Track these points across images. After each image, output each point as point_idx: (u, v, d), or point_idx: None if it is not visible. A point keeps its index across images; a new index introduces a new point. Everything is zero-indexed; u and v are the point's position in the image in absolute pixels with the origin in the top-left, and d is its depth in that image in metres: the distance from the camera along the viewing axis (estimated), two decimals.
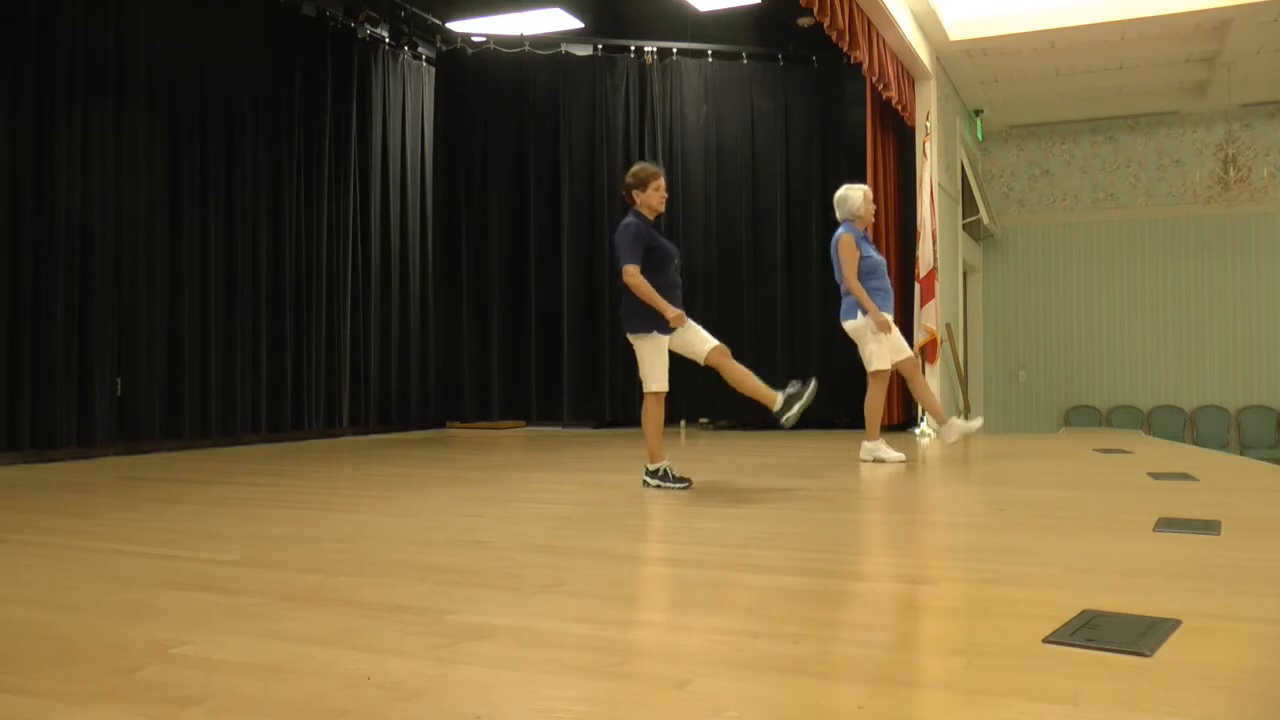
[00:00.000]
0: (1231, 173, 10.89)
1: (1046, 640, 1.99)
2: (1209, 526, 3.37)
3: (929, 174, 8.78)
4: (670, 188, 9.70)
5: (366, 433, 9.29)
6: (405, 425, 9.85)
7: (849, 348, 6.21)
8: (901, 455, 6.00)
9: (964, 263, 10.90)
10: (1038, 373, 12.19)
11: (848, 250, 5.95)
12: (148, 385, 7.15)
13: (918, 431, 8.42)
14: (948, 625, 2.32)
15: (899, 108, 8.70)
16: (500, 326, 9.92)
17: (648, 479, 4.80)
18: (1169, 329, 11.68)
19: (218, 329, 7.74)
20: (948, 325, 9.51)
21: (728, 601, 2.51)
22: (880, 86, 8.18)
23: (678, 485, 4.72)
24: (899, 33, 8.08)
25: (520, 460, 6.99)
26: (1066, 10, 8.68)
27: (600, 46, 10.00)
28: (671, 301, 4.81)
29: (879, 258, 6.15)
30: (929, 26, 8.82)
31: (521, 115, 9.96)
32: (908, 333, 8.89)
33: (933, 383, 8.87)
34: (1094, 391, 11.96)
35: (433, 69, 10.24)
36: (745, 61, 9.83)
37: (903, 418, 9.07)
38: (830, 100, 9.69)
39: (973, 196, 11.18)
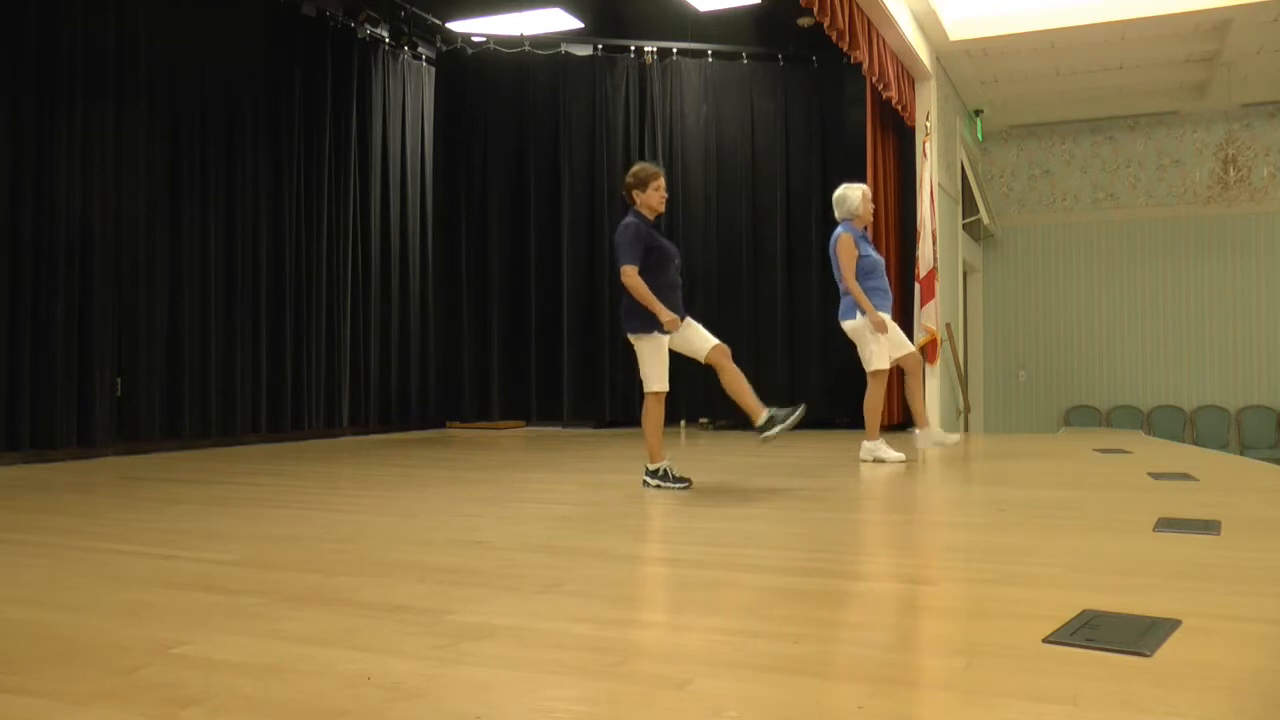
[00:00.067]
0: (1231, 173, 10.89)
1: (1046, 640, 1.99)
2: (1209, 526, 3.37)
3: (929, 174, 8.78)
4: (670, 188, 9.70)
5: (366, 433, 9.29)
6: (405, 425, 9.85)
7: (849, 347, 6.21)
8: (901, 455, 6.00)
9: (964, 263, 10.90)
10: (1038, 373, 12.19)
11: (846, 250, 5.96)
12: (148, 385, 7.15)
13: (917, 432, 8.42)
14: (948, 625, 2.32)
15: (899, 108, 8.70)
16: (500, 326, 9.92)
17: (648, 479, 4.80)
18: (1169, 329, 11.68)
19: (218, 329, 7.74)
20: (948, 325, 9.52)
21: (728, 601, 2.51)
22: (880, 86, 8.18)
23: (678, 485, 4.73)
24: (899, 33, 8.08)
25: (520, 460, 6.99)
26: (1066, 10, 8.68)
27: (600, 46, 10.00)
28: (671, 301, 4.81)
29: (877, 257, 6.15)
30: (929, 26, 8.82)
31: (521, 115, 9.96)
32: (908, 333, 8.91)
33: (932, 383, 8.87)
34: (1094, 391, 11.96)
35: (433, 69, 10.24)
36: (745, 61, 9.83)
37: (903, 418, 9.07)
38: (830, 100, 9.69)
39: (973, 196, 11.18)
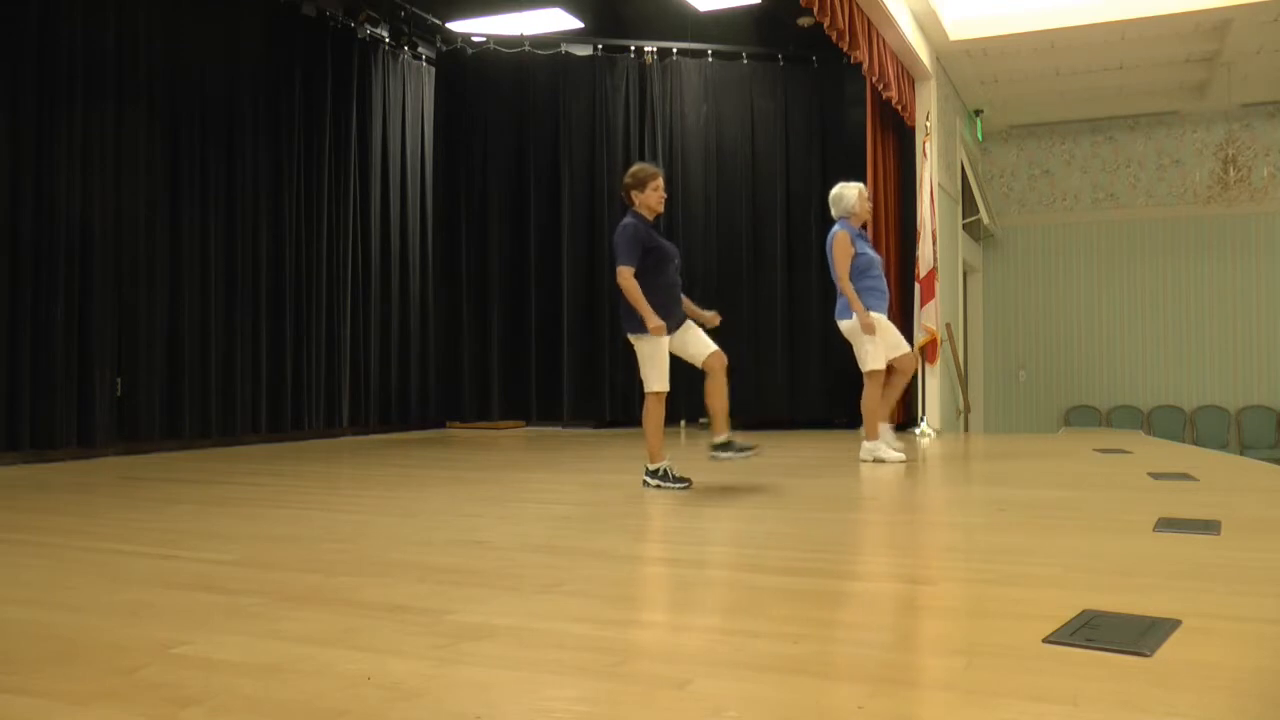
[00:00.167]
0: (1231, 173, 10.89)
1: (1046, 640, 1.99)
2: (1209, 526, 3.37)
3: (929, 174, 8.78)
4: (670, 188, 9.70)
5: (366, 433, 9.29)
6: (405, 425, 9.85)
7: (848, 347, 6.21)
8: (902, 455, 5.99)
9: (964, 263, 10.90)
10: (1038, 373, 12.19)
11: (842, 248, 5.97)
12: (148, 385, 7.15)
13: (917, 431, 8.43)
14: (948, 625, 2.32)
15: (899, 108, 8.70)
16: (500, 326, 9.92)
17: (648, 479, 4.80)
18: (1169, 329, 11.68)
19: (218, 329, 7.74)
20: (948, 325, 9.52)
21: (728, 601, 2.51)
22: (880, 86, 8.18)
23: (678, 485, 4.73)
24: (899, 33, 8.08)
25: (520, 460, 6.99)
26: (1066, 10, 8.68)
27: (600, 46, 10.00)
28: (671, 301, 4.82)
29: (874, 255, 6.16)
30: (929, 26, 8.82)
31: (521, 115, 9.96)
32: (908, 333, 8.91)
33: (932, 383, 8.88)
34: (1094, 391, 11.96)
35: (433, 69, 10.24)
36: (745, 61, 9.83)
37: (902, 417, 9.07)
38: (830, 100, 9.69)
39: (973, 196, 11.18)
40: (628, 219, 4.83)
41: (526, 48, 9.95)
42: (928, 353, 8.79)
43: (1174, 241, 11.72)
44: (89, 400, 6.70)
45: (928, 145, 8.84)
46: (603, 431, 9.79)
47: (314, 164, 8.75)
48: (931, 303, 8.62)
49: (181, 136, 7.50)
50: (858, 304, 5.92)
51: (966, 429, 10.33)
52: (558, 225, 9.89)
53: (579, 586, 2.66)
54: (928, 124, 9.00)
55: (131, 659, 1.95)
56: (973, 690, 1.74)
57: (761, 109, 9.79)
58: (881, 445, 6.02)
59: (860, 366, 6.07)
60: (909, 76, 9.04)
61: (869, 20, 7.67)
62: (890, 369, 6.14)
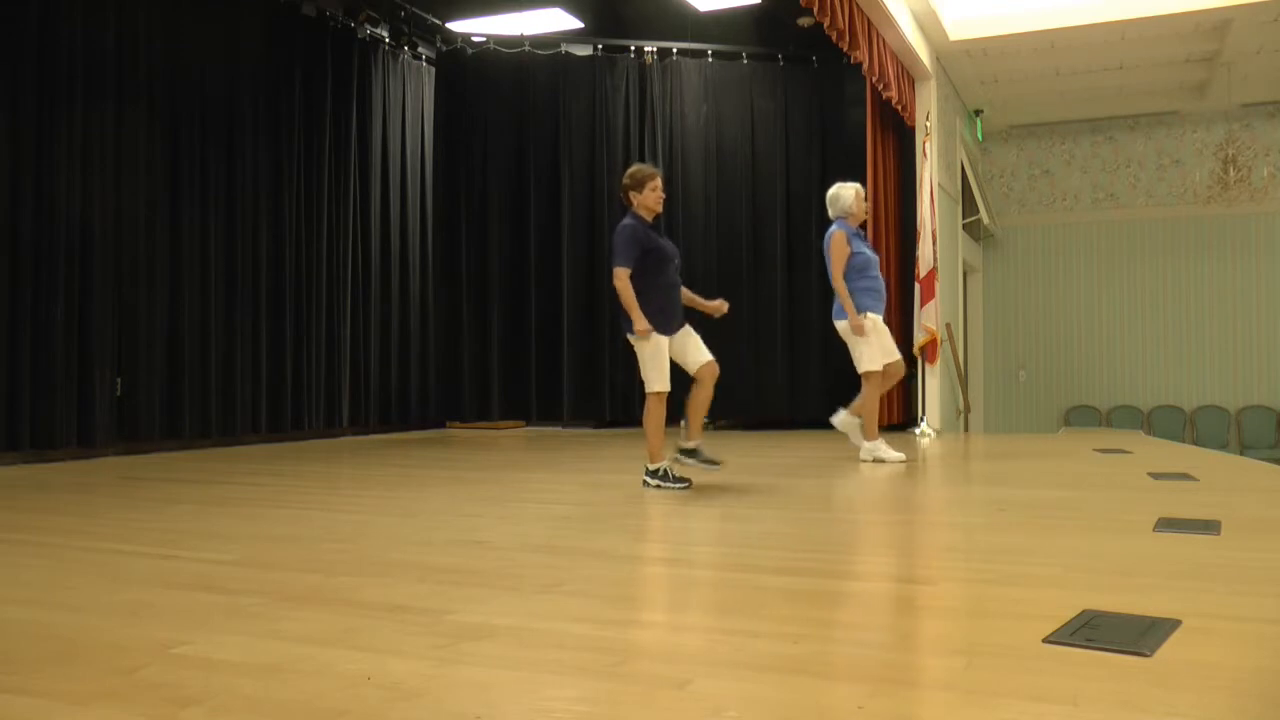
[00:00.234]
0: (1231, 173, 10.89)
1: (1046, 640, 1.99)
2: (1209, 526, 3.37)
3: (929, 174, 8.78)
4: (670, 188, 9.74)
5: (366, 433, 9.29)
6: (405, 425, 9.85)
7: (847, 347, 6.21)
8: (901, 455, 6.00)
9: (964, 263, 10.90)
10: (1038, 373, 12.19)
11: (838, 247, 5.99)
12: (148, 385, 7.15)
13: (917, 431, 8.43)
14: (948, 625, 2.32)
15: (899, 108, 8.70)
16: (500, 326, 9.92)
17: (648, 479, 4.80)
18: (1169, 329, 11.68)
19: (218, 329, 7.74)
20: (948, 325, 9.52)
21: (728, 601, 2.51)
22: (880, 86, 8.18)
23: (678, 485, 4.73)
24: (899, 33, 8.08)
25: (520, 460, 6.99)
26: (1066, 10, 8.68)
27: (600, 46, 10.00)
28: (671, 302, 4.83)
29: (872, 254, 6.17)
30: (929, 26, 8.82)
31: (521, 115, 9.96)
32: (907, 333, 8.91)
33: (932, 383, 8.88)
34: (1094, 391, 11.96)
35: (433, 69, 10.24)
36: (745, 61, 9.83)
37: (902, 417, 9.07)
38: (830, 100, 9.69)
39: (973, 196, 11.19)
40: (626, 220, 4.84)
41: (526, 48, 9.95)
42: (928, 353, 8.78)
43: (1174, 241, 11.72)
44: (89, 400, 6.70)
45: (928, 145, 8.85)
46: (603, 431, 9.79)
47: (314, 164, 8.75)
48: (931, 303, 8.62)
49: (181, 136, 7.50)
50: (849, 305, 5.94)
51: (966, 429, 10.33)
52: (558, 225, 9.89)
53: (579, 586, 2.66)
54: (928, 124, 9.00)
55: (131, 659, 1.95)
56: (973, 690, 1.74)
57: (761, 109, 9.79)
58: (881, 445, 6.02)
59: (856, 367, 6.07)
60: (909, 76, 9.04)
61: (869, 20, 7.67)
62: (892, 365, 6.15)
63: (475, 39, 10.10)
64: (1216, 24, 8.85)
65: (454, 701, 1.71)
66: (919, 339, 8.72)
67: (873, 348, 5.99)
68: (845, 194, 6.12)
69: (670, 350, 4.83)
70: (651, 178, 4.88)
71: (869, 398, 6.06)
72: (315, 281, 8.72)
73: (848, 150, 9.23)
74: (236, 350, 7.90)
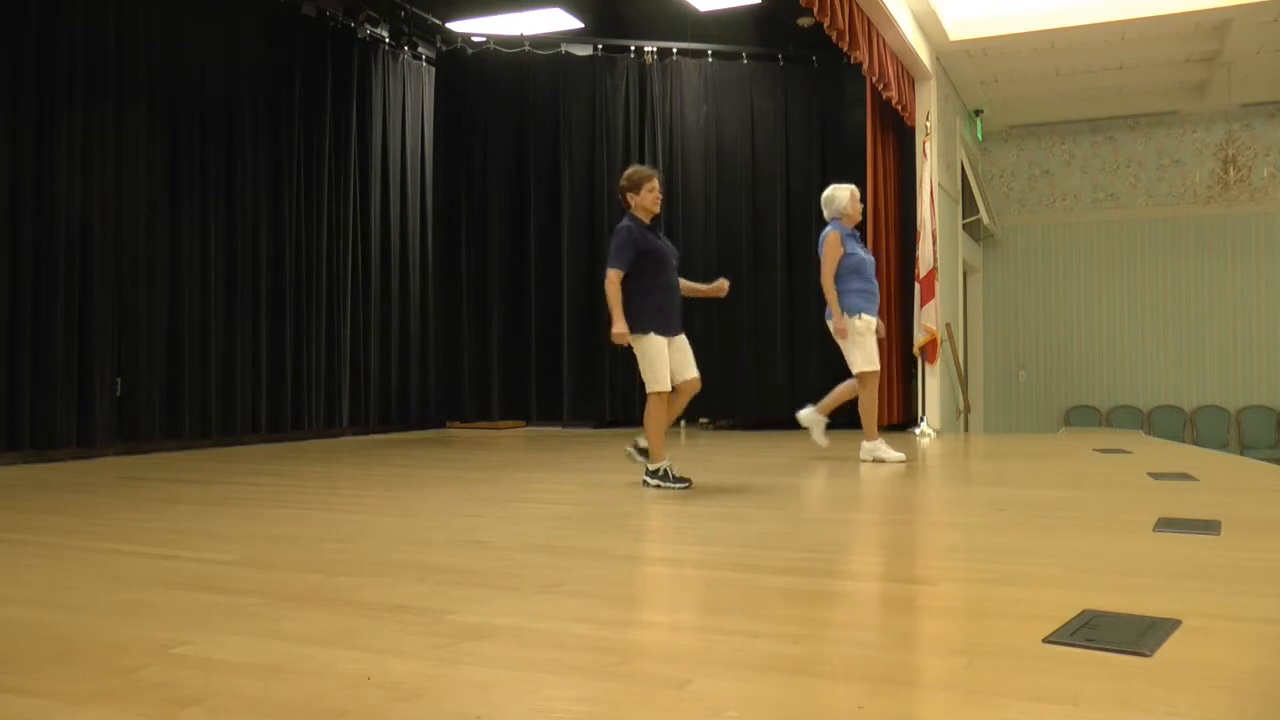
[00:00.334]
0: (1231, 173, 10.89)
1: (1046, 640, 1.99)
2: (1209, 526, 3.37)
3: (929, 174, 8.78)
4: (670, 188, 9.78)
5: (366, 433, 9.29)
6: (405, 425, 9.85)
7: None
8: (901, 455, 6.00)
9: (964, 263, 10.90)
10: (1038, 373, 12.19)
11: (831, 248, 6.02)
12: (148, 385, 7.15)
13: (917, 431, 8.43)
14: (948, 625, 2.32)
15: (899, 108, 8.70)
16: (500, 326, 9.92)
17: (648, 479, 4.81)
18: (1169, 329, 11.68)
19: (218, 329, 7.74)
20: (948, 325, 9.52)
21: (728, 601, 2.51)
22: (880, 86, 8.18)
23: (678, 485, 4.73)
24: (899, 33, 8.08)
25: (520, 460, 6.99)
26: (1066, 10, 8.68)
27: (600, 46, 10.00)
28: (669, 302, 4.85)
29: (866, 256, 6.18)
30: (929, 26, 8.82)
31: (521, 115, 9.96)
32: (908, 333, 8.92)
33: (932, 383, 8.88)
34: (1094, 391, 11.96)
35: (433, 69, 10.24)
36: (745, 61, 9.83)
37: (902, 417, 9.07)
38: (830, 100, 9.69)
39: (973, 196, 11.18)
40: (624, 221, 4.86)
41: (526, 48, 9.95)
42: (928, 353, 8.79)
43: (1174, 241, 11.72)
44: (89, 400, 6.70)
45: (928, 145, 8.85)
46: (603, 431, 9.79)
47: (314, 164, 8.75)
48: (931, 303, 8.62)
49: (181, 136, 7.50)
50: (835, 306, 5.97)
51: (966, 429, 10.33)
52: (558, 225, 9.89)
53: (579, 586, 2.66)
54: (928, 124, 9.00)
55: (131, 659, 1.95)
56: (973, 690, 1.74)
57: (761, 109, 9.79)
58: (881, 445, 6.03)
59: (850, 368, 6.08)
60: (909, 76, 9.04)
61: (869, 20, 7.67)
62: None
63: (475, 39, 10.10)
64: (1216, 24, 8.85)
65: (454, 701, 1.71)
66: (919, 339, 8.72)
67: (864, 349, 6.00)
68: (840, 195, 6.15)
69: None
70: (649, 179, 4.89)
71: (867, 398, 6.07)
72: (315, 281, 8.72)
73: (848, 150, 9.23)
74: (236, 350, 7.90)
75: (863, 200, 6.56)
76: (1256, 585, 2.59)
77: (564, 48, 10.00)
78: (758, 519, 3.95)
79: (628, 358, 5.03)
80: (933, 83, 9.28)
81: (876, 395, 6.15)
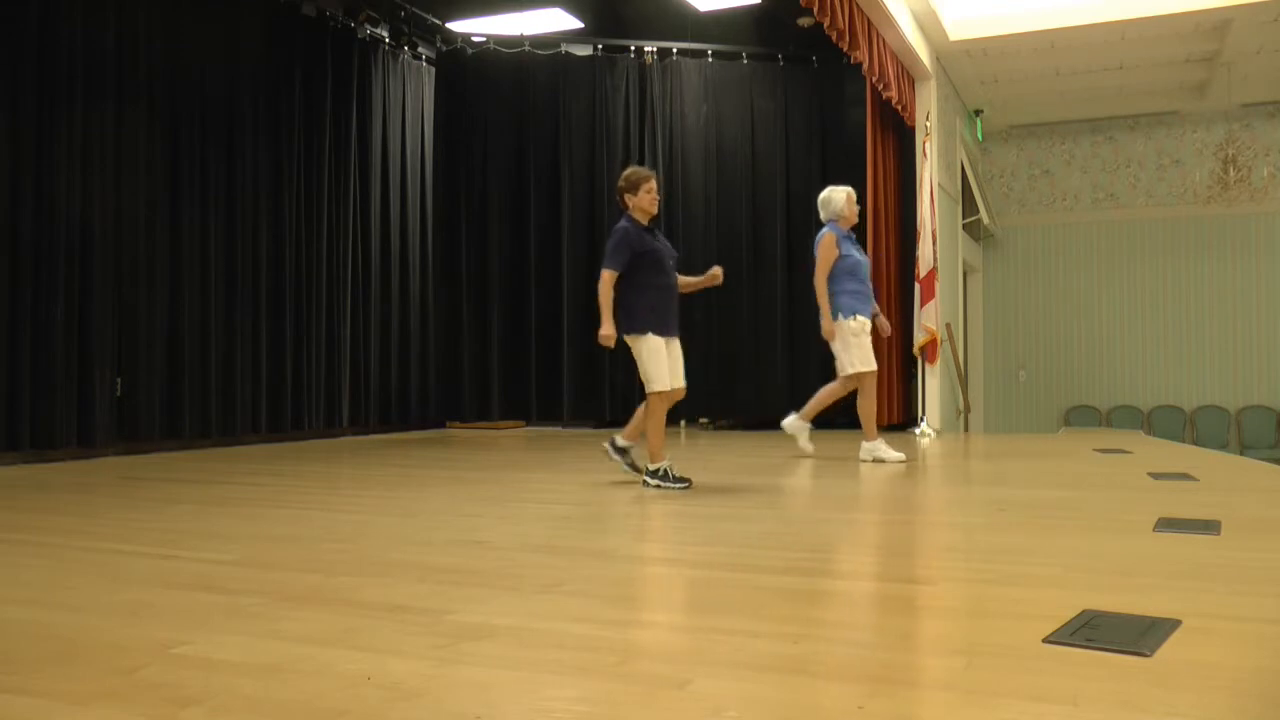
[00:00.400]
0: (1231, 173, 10.89)
1: (1046, 640, 1.99)
2: (1209, 526, 3.37)
3: (929, 174, 8.78)
4: (670, 188, 9.78)
5: (366, 433, 9.29)
6: (405, 425, 9.85)
7: None
8: (901, 455, 6.00)
9: (964, 263, 10.90)
10: (1038, 373, 12.19)
11: (827, 249, 6.04)
12: (148, 385, 7.15)
13: (917, 431, 8.43)
14: (948, 625, 2.32)
15: (899, 108, 8.70)
16: (500, 326, 9.92)
17: (648, 479, 4.81)
18: (1169, 329, 11.68)
19: (218, 329, 7.74)
20: (948, 325, 9.52)
21: (728, 601, 2.51)
22: (880, 86, 8.18)
23: (678, 485, 4.73)
24: (899, 33, 8.08)
25: (520, 460, 6.99)
26: (1066, 10, 8.69)
27: (600, 46, 10.00)
28: (666, 302, 4.86)
29: (861, 258, 6.19)
30: (929, 26, 8.82)
31: (521, 115, 9.96)
32: (908, 333, 8.91)
33: (932, 383, 8.88)
34: (1094, 391, 11.96)
35: (433, 69, 10.24)
36: (745, 61, 9.83)
37: (902, 417, 9.07)
38: (830, 100, 9.69)
39: (973, 196, 11.18)
40: (621, 222, 4.89)
41: (526, 48, 9.95)
42: (928, 353, 8.79)
43: (1174, 241, 11.71)
44: (89, 400, 6.70)
45: (928, 145, 8.85)
46: (603, 431, 9.78)
47: (314, 164, 8.75)
48: (931, 303, 8.62)
49: (181, 136, 7.50)
50: (825, 308, 6.00)
51: (966, 429, 10.33)
52: (558, 225, 9.89)
53: (579, 586, 2.66)
54: (928, 124, 9.00)
55: (131, 659, 1.95)
56: (973, 690, 1.74)
57: (761, 109, 9.79)
58: (880, 445, 6.03)
59: (840, 371, 6.09)
60: (909, 76, 9.04)
61: (869, 20, 7.67)
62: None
63: (475, 39, 10.10)
64: (1216, 24, 8.85)
65: (454, 701, 1.71)
66: (919, 339, 8.72)
67: (855, 350, 6.01)
68: (837, 197, 6.16)
69: None
70: (646, 180, 4.91)
71: (865, 398, 6.08)
72: (315, 281, 8.72)
73: (848, 150, 9.23)
74: (236, 350, 7.90)
75: (863, 200, 6.59)
76: (1256, 585, 2.59)
77: (564, 48, 10.01)
78: (757, 519, 3.95)
79: (628, 358, 5.04)
80: (933, 83, 9.28)
81: (875, 395, 6.16)
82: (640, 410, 5.02)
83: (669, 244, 5.08)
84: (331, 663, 1.91)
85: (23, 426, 6.35)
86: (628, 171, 5.01)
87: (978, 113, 11.49)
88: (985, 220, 11.67)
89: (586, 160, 9.94)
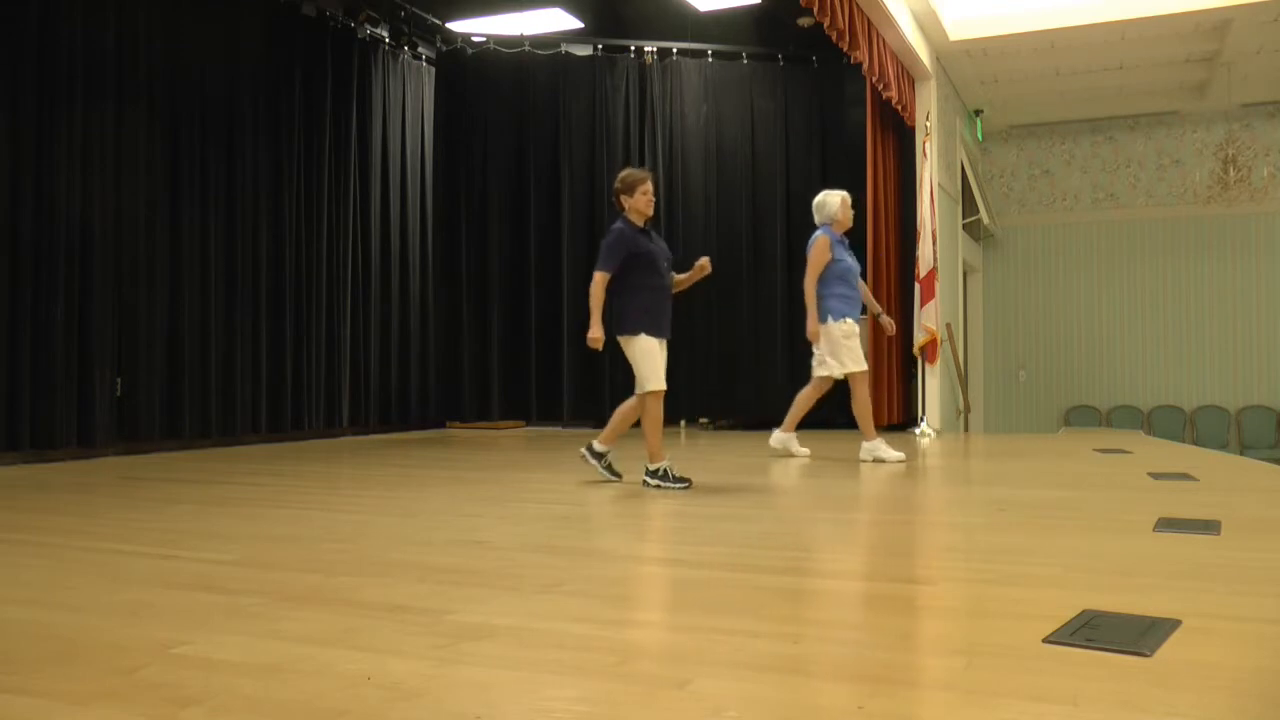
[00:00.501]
0: (1231, 173, 10.89)
1: (1046, 640, 1.99)
2: (1209, 526, 3.37)
3: (929, 174, 8.78)
4: (670, 188, 9.78)
5: (366, 433, 9.29)
6: (405, 425, 9.85)
7: None
8: (901, 455, 6.00)
9: (964, 263, 10.90)
10: (1038, 373, 12.19)
11: (820, 253, 6.07)
12: (148, 385, 7.15)
13: (917, 431, 8.43)
14: (948, 625, 2.32)
15: (899, 108, 8.70)
16: (500, 326, 9.92)
17: (648, 479, 4.81)
18: (1169, 329, 11.68)
19: (218, 329, 7.73)
20: (948, 325, 9.52)
21: (728, 601, 2.51)
22: (880, 86, 8.18)
23: (678, 485, 4.73)
24: (899, 33, 8.08)
25: (520, 460, 6.99)
26: (1066, 10, 8.69)
27: (600, 46, 10.00)
28: (660, 303, 4.88)
29: (853, 263, 6.21)
30: (929, 26, 8.82)
31: (521, 115, 9.96)
32: (908, 333, 8.91)
33: (932, 383, 8.88)
34: (1094, 391, 11.96)
35: (433, 69, 10.24)
36: (745, 61, 9.83)
37: (902, 417, 9.07)
38: (830, 100, 9.69)
39: (973, 196, 11.19)
40: (617, 224, 4.92)
41: (526, 48, 9.95)
42: (928, 353, 8.79)
43: (1174, 241, 11.71)
44: (89, 400, 6.70)
45: (928, 145, 8.85)
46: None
47: (314, 164, 8.75)
48: (931, 303, 8.62)
49: (181, 136, 7.50)
50: (813, 311, 6.03)
51: (966, 429, 10.33)
52: (558, 225, 9.89)
53: (579, 586, 2.67)
54: (928, 124, 9.00)
55: (131, 659, 1.95)
56: (973, 690, 1.74)
57: (761, 109, 9.79)
58: (880, 445, 6.03)
59: (830, 373, 6.10)
60: (909, 76, 9.04)
61: (869, 20, 7.67)
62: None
63: (475, 39, 10.10)
64: (1216, 24, 8.85)
65: (454, 701, 1.71)
66: (919, 339, 8.72)
67: (848, 352, 6.03)
68: (831, 201, 6.18)
69: None
70: (642, 181, 4.92)
71: (860, 398, 6.09)
72: (315, 281, 8.72)
73: (848, 150, 9.23)
74: (236, 350, 7.90)
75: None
76: (1256, 585, 2.59)
77: (564, 48, 10.01)
78: (757, 519, 3.95)
79: (628, 359, 5.04)
80: (933, 83, 9.28)
81: (869, 395, 6.17)
82: (617, 414, 5.04)
83: (664, 245, 5.09)
84: (331, 663, 1.91)
85: (23, 426, 6.35)
86: (624, 173, 5.03)
87: (978, 113, 11.49)
88: (985, 220, 11.67)
89: (586, 160, 9.94)
